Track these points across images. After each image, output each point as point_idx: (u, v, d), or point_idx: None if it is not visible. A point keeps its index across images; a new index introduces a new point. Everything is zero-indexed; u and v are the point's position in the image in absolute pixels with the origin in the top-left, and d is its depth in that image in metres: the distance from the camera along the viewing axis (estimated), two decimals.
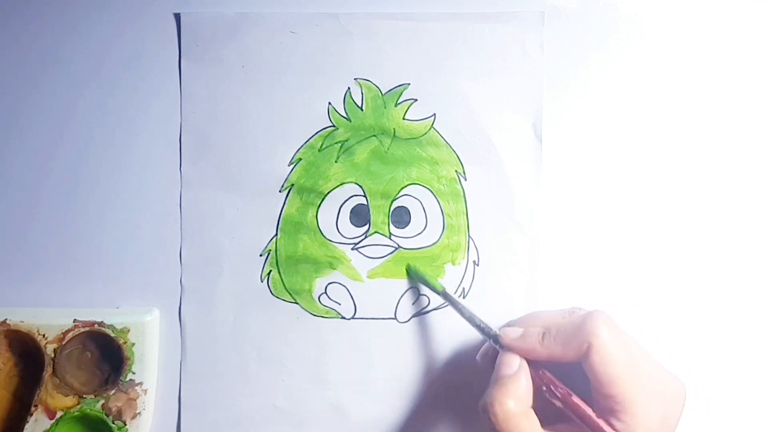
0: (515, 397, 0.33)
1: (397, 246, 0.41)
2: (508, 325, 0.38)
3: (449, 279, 0.41)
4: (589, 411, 0.33)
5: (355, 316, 0.41)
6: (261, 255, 0.41)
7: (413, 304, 0.41)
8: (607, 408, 0.32)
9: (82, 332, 0.40)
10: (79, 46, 0.41)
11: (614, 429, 0.32)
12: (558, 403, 0.34)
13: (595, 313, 0.34)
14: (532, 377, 0.34)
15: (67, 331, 0.40)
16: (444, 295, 0.39)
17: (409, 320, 0.41)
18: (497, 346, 0.36)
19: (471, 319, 0.37)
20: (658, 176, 0.41)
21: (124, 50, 0.41)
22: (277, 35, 0.41)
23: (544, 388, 0.34)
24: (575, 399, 0.33)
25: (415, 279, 0.41)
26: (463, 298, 0.41)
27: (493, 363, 0.36)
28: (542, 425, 0.33)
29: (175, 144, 0.42)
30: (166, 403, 0.41)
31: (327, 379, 0.41)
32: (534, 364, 0.34)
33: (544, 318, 0.37)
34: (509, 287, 0.41)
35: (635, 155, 0.41)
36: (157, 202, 0.41)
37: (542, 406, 0.34)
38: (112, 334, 0.40)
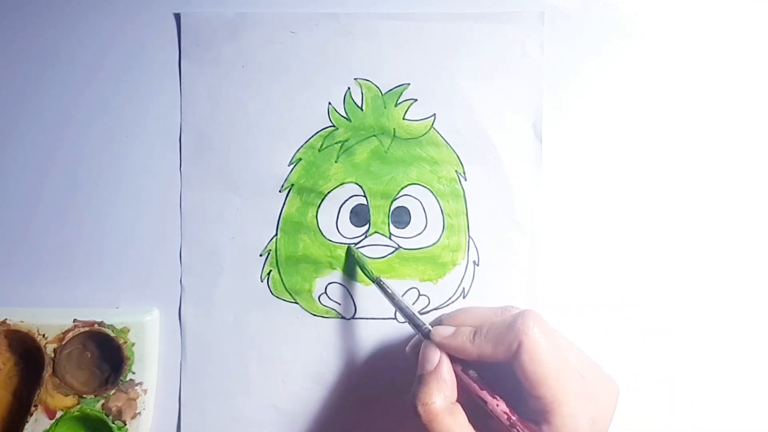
0: (438, 393, 0.33)
1: (397, 246, 0.41)
2: (439, 321, 0.37)
3: (449, 279, 0.41)
4: (504, 418, 0.32)
5: (355, 316, 0.41)
6: (261, 255, 0.41)
7: (413, 304, 0.41)
8: (536, 409, 0.32)
9: (82, 332, 0.40)
10: (79, 46, 0.41)
11: (526, 426, 0.32)
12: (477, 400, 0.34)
13: (526, 312, 0.33)
14: (459, 376, 0.34)
15: (67, 331, 0.40)
16: (378, 283, 0.38)
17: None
18: (421, 335, 0.36)
19: (404, 311, 0.37)
20: (657, 176, 0.41)
21: (124, 50, 0.41)
22: (277, 35, 0.41)
23: (472, 390, 0.34)
24: (492, 406, 0.33)
25: (353, 262, 0.40)
26: (464, 298, 0.41)
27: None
28: (471, 420, 0.33)
29: (175, 144, 0.42)
30: (166, 403, 0.41)
31: (327, 379, 0.41)
32: (464, 364, 0.34)
33: (477, 315, 0.36)
34: (509, 287, 0.41)
35: (635, 155, 0.41)
36: (157, 202, 0.41)
37: (472, 401, 0.33)
38: (112, 334, 0.40)
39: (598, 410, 0.32)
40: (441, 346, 0.35)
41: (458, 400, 0.34)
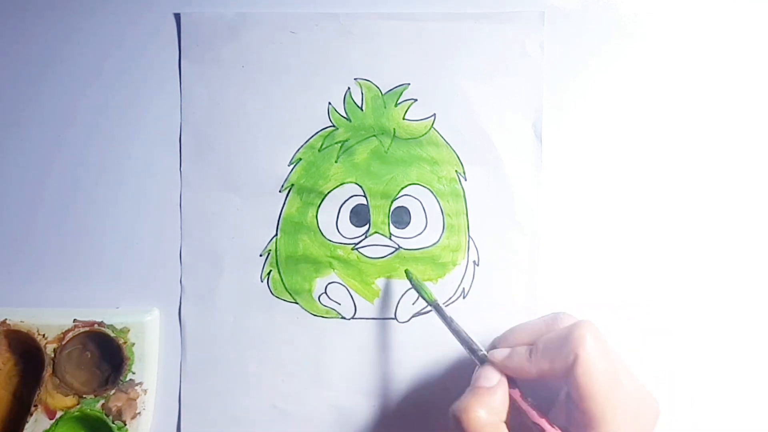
0: (488, 408, 0.32)
1: (397, 246, 0.41)
2: (493, 345, 0.38)
3: (449, 279, 0.41)
4: None
5: (355, 316, 0.41)
6: (261, 255, 0.41)
7: (413, 304, 0.41)
8: (580, 422, 0.32)
9: (82, 332, 0.40)
10: (79, 46, 0.41)
11: None
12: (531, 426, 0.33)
13: (582, 323, 0.33)
14: (517, 401, 0.34)
15: (67, 331, 0.40)
16: (435, 308, 0.38)
17: (409, 320, 0.41)
18: (475, 358, 0.36)
19: (459, 335, 0.37)
20: (658, 176, 0.41)
21: (124, 50, 0.41)
22: (277, 35, 0.41)
23: (515, 405, 0.33)
24: (540, 426, 0.33)
25: (412, 285, 0.40)
26: (464, 298, 0.41)
27: None
28: None
29: (175, 144, 0.42)
30: (166, 403, 0.41)
31: (327, 379, 0.41)
32: (520, 387, 0.34)
33: (528, 331, 0.36)
34: (509, 287, 0.41)
35: (635, 155, 0.41)
36: (157, 202, 0.41)
37: (519, 425, 0.33)
38: (112, 334, 0.40)
39: (640, 429, 0.32)
40: (501, 368, 0.34)
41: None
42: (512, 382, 0.34)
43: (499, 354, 0.35)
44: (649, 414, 0.33)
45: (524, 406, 0.33)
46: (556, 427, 0.33)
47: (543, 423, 0.33)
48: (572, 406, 0.32)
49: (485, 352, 0.36)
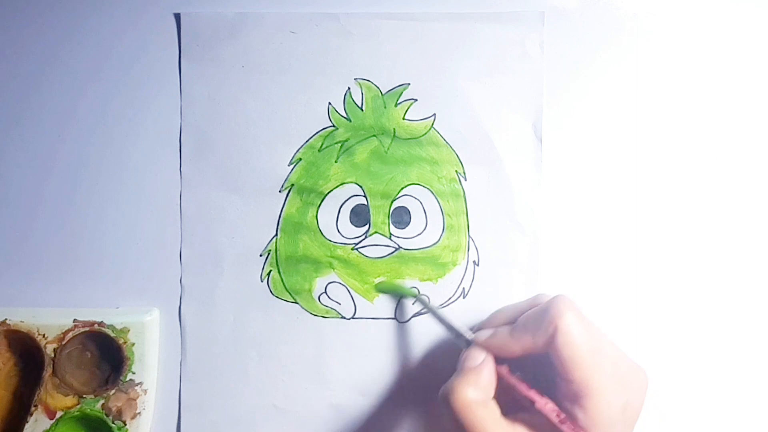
0: (475, 386, 0.33)
1: (397, 246, 0.41)
2: (477, 328, 0.38)
3: (449, 279, 0.41)
4: (553, 416, 0.32)
5: (355, 316, 0.41)
6: (261, 255, 0.41)
7: (413, 304, 0.41)
8: (570, 393, 0.32)
9: (82, 332, 0.40)
10: (79, 46, 0.41)
11: (574, 424, 0.32)
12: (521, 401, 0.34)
13: (559, 297, 0.34)
14: (506, 377, 0.34)
15: (67, 331, 0.40)
16: (419, 299, 0.39)
17: (409, 320, 0.41)
18: (465, 345, 0.36)
19: (444, 323, 0.37)
20: (657, 176, 0.41)
21: (125, 50, 0.41)
22: (277, 35, 0.41)
23: (504, 381, 0.34)
24: (541, 405, 0.33)
25: (389, 293, 0.41)
26: (464, 298, 0.41)
27: None
28: (503, 413, 0.33)
29: (175, 144, 0.42)
30: (166, 403, 0.41)
31: (327, 379, 0.41)
32: (508, 365, 0.34)
33: (511, 312, 0.37)
34: (509, 287, 0.41)
35: (635, 155, 0.41)
36: (157, 202, 0.41)
37: (505, 397, 0.34)
38: (112, 334, 0.40)
39: (629, 397, 0.32)
40: (484, 347, 0.35)
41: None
42: (499, 359, 0.34)
43: (483, 334, 0.35)
44: (636, 382, 0.33)
45: (512, 380, 0.34)
46: (546, 397, 0.33)
47: (532, 394, 0.33)
48: (559, 380, 0.33)
49: (472, 336, 0.36)
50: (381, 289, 0.41)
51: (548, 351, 0.33)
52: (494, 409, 0.33)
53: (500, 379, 0.34)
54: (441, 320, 0.38)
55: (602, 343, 0.33)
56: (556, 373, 0.33)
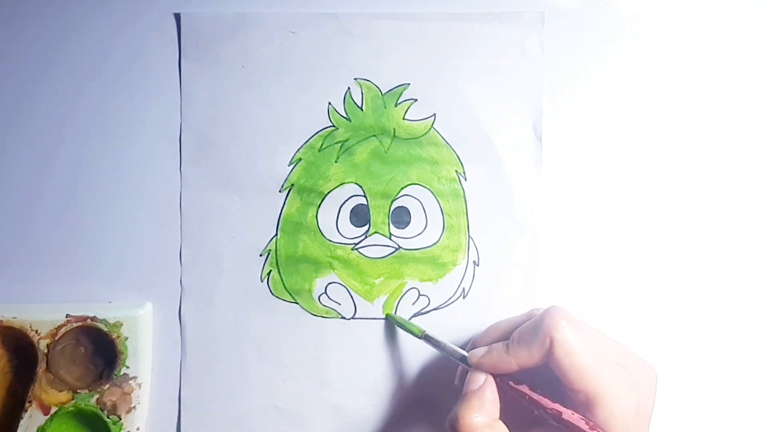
0: (479, 410, 0.33)
1: (397, 246, 0.41)
2: (472, 344, 0.38)
3: (449, 279, 0.41)
4: (582, 424, 0.32)
5: (355, 316, 0.41)
6: (261, 255, 0.41)
7: (413, 304, 0.41)
8: (580, 403, 0.32)
9: (75, 327, 0.40)
10: (79, 46, 0.41)
11: (591, 428, 0.31)
12: (543, 415, 0.33)
13: (551, 309, 0.33)
14: (509, 393, 0.34)
15: (60, 326, 0.40)
16: (426, 338, 0.38)
17: (409, 320, 0.41)
18: (468, 367, 0.36)
19: (453, 355, 0.37)
20: (658, 176, 0.41)
21: (125, 50, 0.41)
22: (277, 35, 0.41)
23: (527, 399, 0.34)
24: (569, 416, 0.32)
25: (398, 325, 0.40)
26: (464, 298, 0.41)
27: None
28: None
29: (175, 144, 0.42)
30: (163, 398, 0.41)
31: (327, 379, 0.41)
32: (512, 378, 0.34)
33: (504, 327, 0.37)
34: (509, 287, 0.41)
35: (635, 155, 0.41)
36: (157, 202, 0.41)
37: (517, 418, 0.33)
38: (105, 329, 0.40)
39: (640, 397, 0.32)
40: (479, 366, 0.35)
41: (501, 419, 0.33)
42: (516, 377, 0.34)
43: (477, 352, 0.35)
44: (645, 380, 0.33)
45: (536, 396, 0.33)
46: (570, 408, 0.32)
47: (557, 407, 0.33)
48: (567, 391, 0.32)
49: (465, 354, 0.36)
50: (392, 318, 0.41)
51: (548, 363, 0.33)
52: (502, 430, 0.32)
53: (507, 399, 0.34)
54: (450, 353, 0.37)
55: (603, 347, 0.33)
56: (562, 386, 0.33)
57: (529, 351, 0.33)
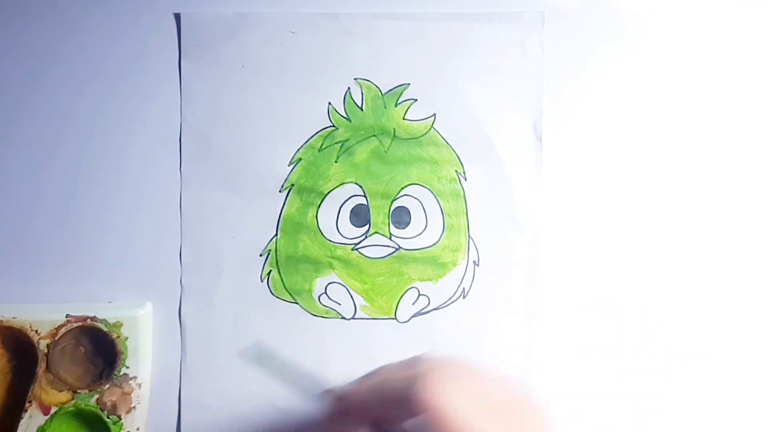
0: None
1: (397, 246, 0.41)
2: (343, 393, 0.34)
3: (449, 279, 0.41)
4: None
5: (355, 316, 0.41)
6: (261, 255, 0.41)
7: (413, 304, 0.41)
8: None
9: (75, 327, 0.40)
10: (79, 46, 0.41)
11: None
12: None
13: (424, 384, 0.28)
14: None
15: (60, 326, 0.40)
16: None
17: (409, 320, 0.41)
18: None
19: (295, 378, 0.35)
20: (657, 176, 0.41)
21: (124, 50, 0.41)
22: (277, 35, 0.41)
23: None
24: None
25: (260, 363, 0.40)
26: (464, 298, 0.41)
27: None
28: None
29: (175, 144, 0.42)
30: (163, 398, 0.41)
31: (327, 379, 0.41)
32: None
33: (384, 372, 0.33)
34: (509, 287, 0.41)
35: (635, 155, 0.41)
36: (157, 202, 0.41)
37: None
38: (105, 329, 0.40)
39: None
40: (343, 400, 0.32)
41: None
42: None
43: (341, 389, 0.33)
44: (530, 422, 0.29)
45: None
46: None
47: None
48: None
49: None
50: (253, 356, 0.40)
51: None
52: None
53: None
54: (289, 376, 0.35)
55: (477, 411, 0.28)
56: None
57: (398, 409, 0.29)
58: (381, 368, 0.35)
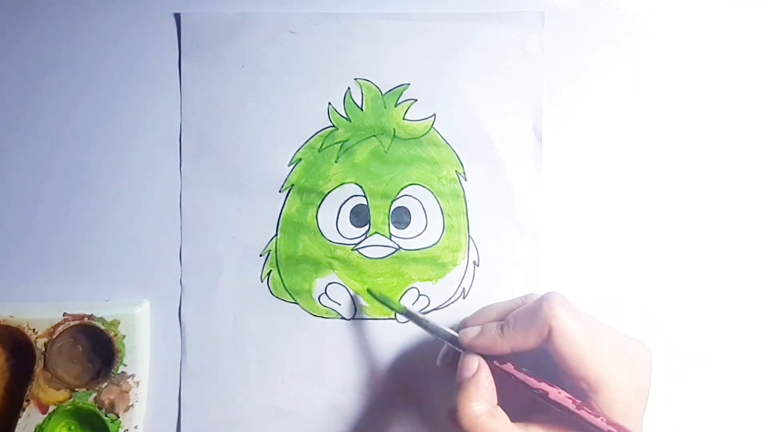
0: (477, 398, 0.32)
1: (397, 246, 0.41)
2: (463, 324, 0.37)
3: (449, 279, 0.41)
4: (569, 404, 0.32)
5: (355, 316, 0.41)
6: (261, 255, 0.41)
7: (413, 304, 0.41)
8: (581, 390, 0.32)
9: (72, 326, 0.40)
10: (79, 46, 0.41)
11: (595, 414, 0.31)
12: (538, 399, 0.33)
13: (550, 296, 0.33)
14: (503, 375, 0.34)
15: (57, 325, 0.40)
16: (408, 315, 0.38)
17: (408, 321, 0.41)
18: (459, 349, 0.36)
19: (437, 332, 0.36)
20: (657, 176, 0.41)
21: (125, 50, 0.41)
22: (277, 35, 0.41)
23: (512, 379, 0.33)
24: (555, 395, 0.32)
25: (378, 300, 0.40)
26: (464, 298, 0.41)
27: (453, 366, 0.35)
28: (514, 419, 0.32)
29: (175, 144, 0.42)
30: (162, 397, 0.41)
31: (327, 379, 0.41)
32: (505, 361, 0.34)
33: (499, 308, 0.36)
34: (509, 287, 0.41)
35: (635, 155, 0.41)
36: (157, 202, 0.41)
37: (514, 401, 0.33)
38: (102, 327, 0.40)
39: (638, 379, 0.32)
40: (471, 347, 0.34)
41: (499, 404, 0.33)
42: (501, 357, 0.34)
43: (470, 332, 0.35)
44: (642, 361, 0.33)
45: (521, 376, 0.33)
46: (557, 387, 0.32)
47: (543, 386, 0.33)
48: (566, 378, 0.32)
49: (455, 334, 0.36)
50: (372, 294, 0.40)
51: (545, 349, 0.32)
52: (503, 417, 0.32)
53: (503, 382, 0.34)
54: (434, 332, 0.37)
55: (601, 333, 0.32)
56: (560, 373, 0.33)
57: (525, 336, 0.33)
58: (484, 308, 0.38)
